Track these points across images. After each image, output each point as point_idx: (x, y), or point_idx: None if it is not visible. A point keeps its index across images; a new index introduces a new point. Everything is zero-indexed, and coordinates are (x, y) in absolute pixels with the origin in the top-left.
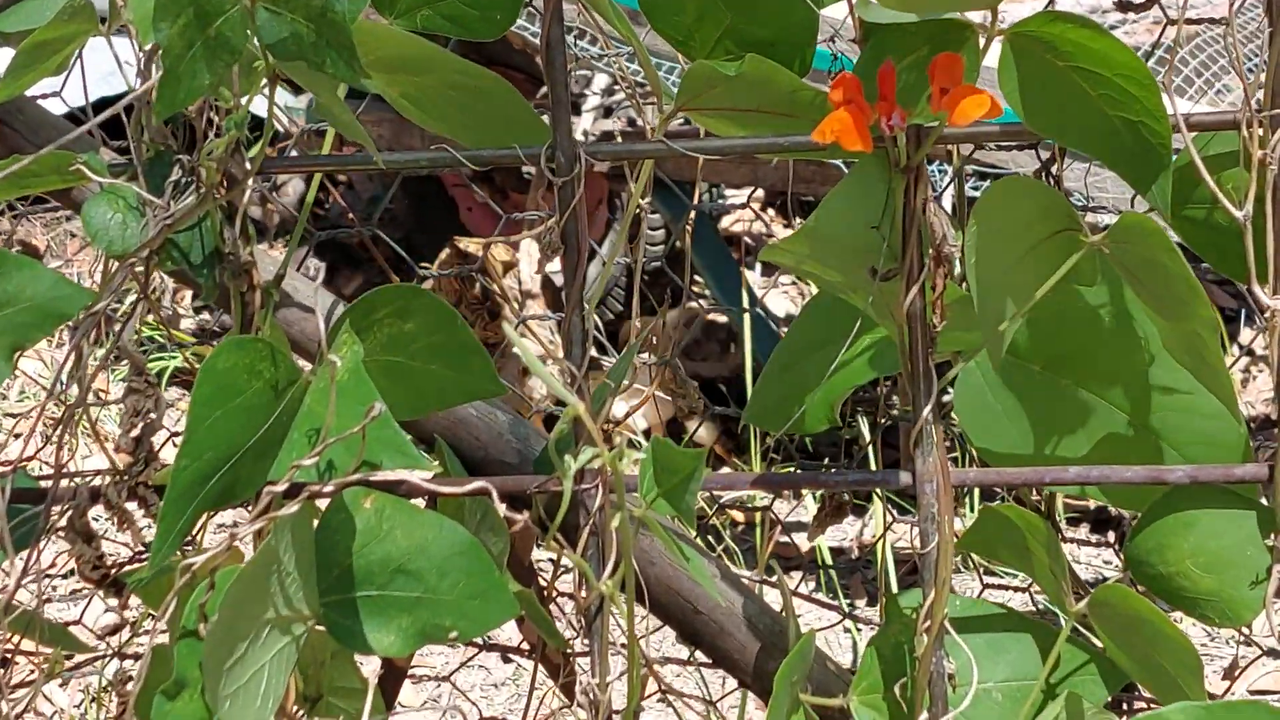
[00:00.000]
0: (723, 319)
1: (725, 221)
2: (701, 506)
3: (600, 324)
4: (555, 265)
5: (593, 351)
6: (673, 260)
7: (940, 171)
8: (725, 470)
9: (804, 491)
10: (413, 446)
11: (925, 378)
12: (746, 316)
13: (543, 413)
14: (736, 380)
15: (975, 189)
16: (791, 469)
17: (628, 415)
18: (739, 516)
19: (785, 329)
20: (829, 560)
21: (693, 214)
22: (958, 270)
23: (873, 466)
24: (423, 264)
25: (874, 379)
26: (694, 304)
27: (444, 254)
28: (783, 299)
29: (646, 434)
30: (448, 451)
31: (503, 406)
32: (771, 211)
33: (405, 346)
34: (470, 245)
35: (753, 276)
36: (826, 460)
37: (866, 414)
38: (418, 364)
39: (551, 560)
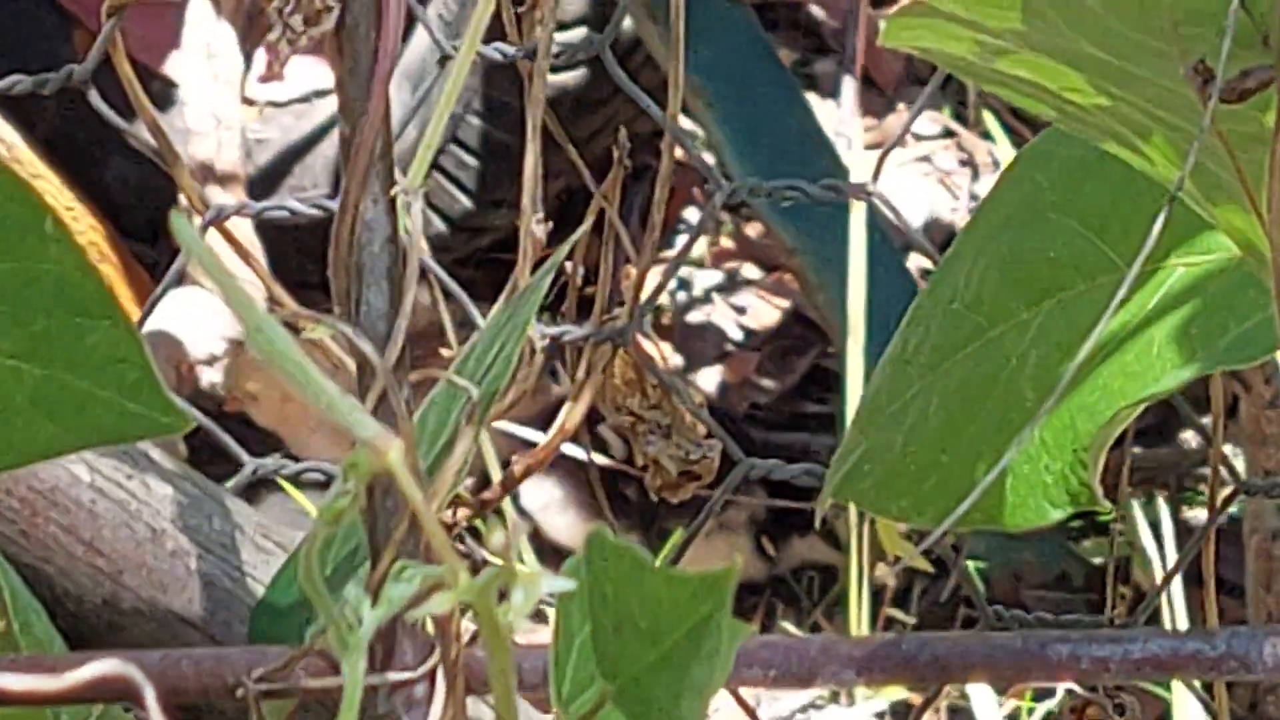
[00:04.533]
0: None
1: None
2: None
3: (438, 234)
4: (293, 89)
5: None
6: (625, 64)
7: None
8: (775, 636)
9: (988, 696)
10: None
11: None
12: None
13: (276, 472)
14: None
15: None
16: (954, 634)
17: (520, 477)
18: None
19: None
20: None
21: None
22: None
23: (1179, 624)
24: None
25: (1196, 379)
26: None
27: None
28: (925, 184)
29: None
30: (12, 582)
31: (162, 461)
32: None
33: None
34: None
35: (831, 110)
36: (1054, 617)
37: (1172, 494)
38: None
39: None
